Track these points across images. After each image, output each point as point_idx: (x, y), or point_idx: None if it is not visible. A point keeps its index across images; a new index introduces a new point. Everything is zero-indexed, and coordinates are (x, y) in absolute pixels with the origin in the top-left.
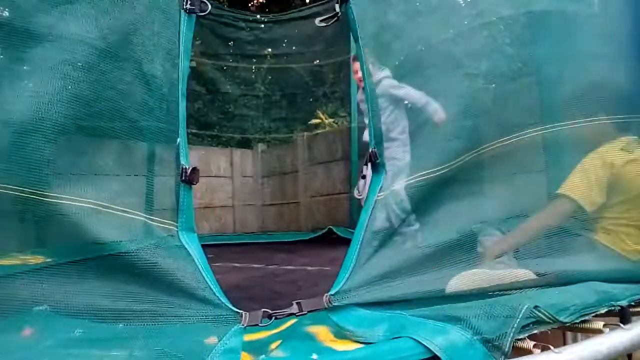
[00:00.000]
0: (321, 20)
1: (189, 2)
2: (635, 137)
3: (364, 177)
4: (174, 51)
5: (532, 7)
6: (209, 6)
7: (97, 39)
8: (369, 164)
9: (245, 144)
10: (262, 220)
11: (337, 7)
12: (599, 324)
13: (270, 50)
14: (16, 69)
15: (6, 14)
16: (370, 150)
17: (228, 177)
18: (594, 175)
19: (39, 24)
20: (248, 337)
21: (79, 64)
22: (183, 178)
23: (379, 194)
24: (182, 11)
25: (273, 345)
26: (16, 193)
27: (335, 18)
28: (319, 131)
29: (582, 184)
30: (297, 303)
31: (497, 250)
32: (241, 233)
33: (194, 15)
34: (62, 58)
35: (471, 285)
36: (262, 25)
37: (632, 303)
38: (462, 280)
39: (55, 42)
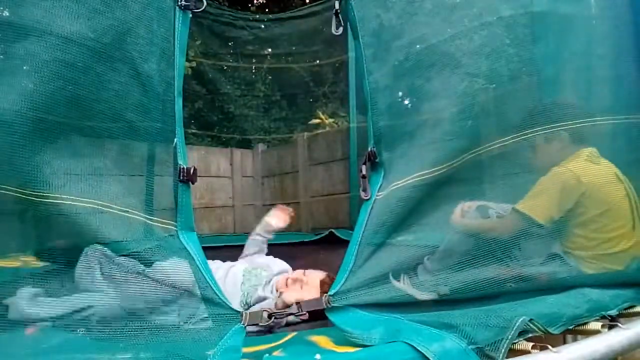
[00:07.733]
0: (335, 29)
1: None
2: (594, 148)
3: (364, 177)
4: (169, 49)
5: (533, 7)
6: (204, 3)
7: (90, 39)
8: (368, 163)
9: (245, 144)
10: None
11: (336, 4)
12: (597, 325)
13: (270, 50)
14: (8, 66)
15: (6, 13)
16: (369, 149)
17: (228, 177)
18: (556, 190)
19: (27, 18)
20: (249, 349)
21: (74, 64)
22: (181, 178)
23: (378, 193)
24: (177, 8)
25: (275, 353)
26: (15, 194)
27: (336, 16)
28: (319, 131)
29: (541, 199)
30: (296, 303)
31: (459, 218)
32: (241, 233)
33: (189, 12)
34: (54, 57)
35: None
36: (262, 25)
37: (623, 312)
38: None
39: (44, 38)
